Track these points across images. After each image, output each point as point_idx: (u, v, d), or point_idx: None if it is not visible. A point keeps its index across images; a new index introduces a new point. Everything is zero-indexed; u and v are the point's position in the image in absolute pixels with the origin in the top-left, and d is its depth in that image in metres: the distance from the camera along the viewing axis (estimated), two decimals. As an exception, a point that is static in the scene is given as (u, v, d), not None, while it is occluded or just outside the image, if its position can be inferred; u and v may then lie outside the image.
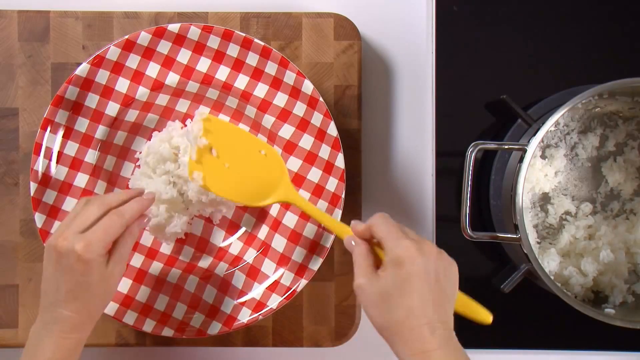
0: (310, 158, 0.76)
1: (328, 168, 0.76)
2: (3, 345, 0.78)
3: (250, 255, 0.77)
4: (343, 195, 0.75)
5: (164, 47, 0.75)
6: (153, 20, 0.79)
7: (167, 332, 0.75)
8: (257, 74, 0.76)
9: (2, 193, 0.79)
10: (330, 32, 0.79)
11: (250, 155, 0.71)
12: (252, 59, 0.75)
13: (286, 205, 0.76)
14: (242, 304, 0.76)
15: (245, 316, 0.75)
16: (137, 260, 0.77)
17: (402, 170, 0.83)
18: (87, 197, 0.66)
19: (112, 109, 0.76)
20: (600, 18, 0.83)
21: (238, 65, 0.76)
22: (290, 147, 0.76)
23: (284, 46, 0.79)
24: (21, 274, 0.79)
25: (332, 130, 0.75)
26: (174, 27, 0.74)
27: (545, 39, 0.83)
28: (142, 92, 0.76)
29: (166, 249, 0.78)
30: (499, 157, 0.79)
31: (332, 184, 0.76)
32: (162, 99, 0.77)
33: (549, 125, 0.69)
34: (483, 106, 0.82)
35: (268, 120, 0.76)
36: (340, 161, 0.76)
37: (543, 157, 0.78)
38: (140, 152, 0.78)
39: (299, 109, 0.76)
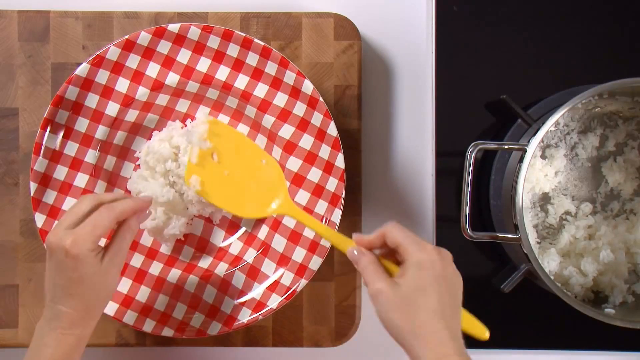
0: (310, 158, 0.76)
1: (328, 168, 0.76)
2: (3, 345, 0.78)
3: (250, 255, 0.77)
4: (343, 195, 0.75)
5: (164, 47, 0.75)
6: (153, 20, 0.79)
7: (167, 332, 0.75)
8: (257, 74, 0.76)
9: (2, 193, 0.79)
10: (330, 32, 0.79)
11: (250, 163, 0.70)
12: (252, 59, 0.75)
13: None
14: (242, 304, 0.76)
15: (245, 316, 0.75)
16: (137, 260, 0.77)
17: (402, 170, 0.83)
18: (85, 195, 0.66)
19: (112, 109, 0.76)
20: (600, 18, 0.83)
21: (238, 65, 0.76)
22: (290, 147, 0.76)
23: (284, 46, 0.79)
24: (21, 274, 0.79)
25: (332, 130, 0.75)
26: (174, 27, 0.74)
27: (545, 39, 0.83)
28: (142, 92, 0.76)
29: (166, 249, 0.78)
30: (499, 157, 0.79)
31: (332, 184, 0.76)
32: (162, 99, 0.77)
33: (549, 125, 0.69)
34: (483, 106, 0.82)
35: (268, 120, 0.76)
36: (340, 161, 0.75)
37: (543, 157, 0.78)
38: (140, 152, 0.78)
39: (299, 109, 0.76)
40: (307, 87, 0.75)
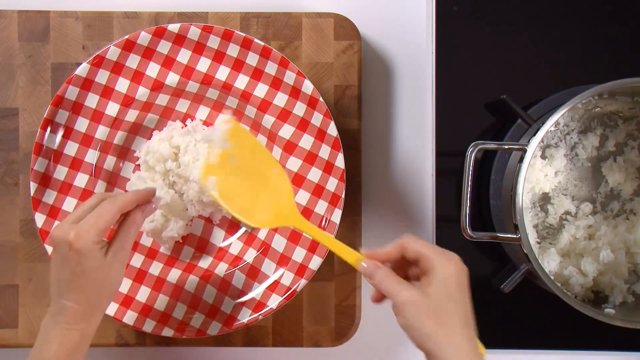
0: (310, 158, 0.76)
1: (328, 168, 0.76)
2: (3, 345, 0.78)
3: (250, 255, 0.77)
4: (343, 195, 0.75)
5: (164, 47, 0.75)
6: (153, 20, 0.79)
7: (167, 332, 0.75)
8: (257, 74, 0.76)
9: (2, 193, 0.79)
10: (330, 32, 0.79)
11: (263, 171, 0.68)
12: (252, 59, 0.75)
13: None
14: (242, 304, 0.76)
15: (245, 316, 0.75)
16: (137, 260, 0.77)
17: (402, 170, 0.83)
18: (93, 194, 0.66)
19: (112, 109, 0.76)
20: (600, 18, 0.83)
21: (238, 65, 0.76)
22: (290, 147, 0.76)
23: (284, 46, 0.79)
24: (21, 274, 0.79)
25: (332, 130, 0.75)
26: (174, 27, 0.74)
27: (545, 39, 0.83)
28: (142, 92, 0.76)
29: (166, 249, 0.78)
30: (499, 157, 0.79)
31: (332, 184, 0.76)
32: (162, 99, 0.77)
33: (549, 125, 0.69)
34: (483, 106, 0.82)
35: (268, 120, 0.76)
36: (340, 161, 0.76)
37: (543, 157, 0.78)
38: (140, 152, 0.78)
39: (299, 109, 0.76)
40: (307, 87, 0.75)
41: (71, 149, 0.76)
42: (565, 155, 0.79)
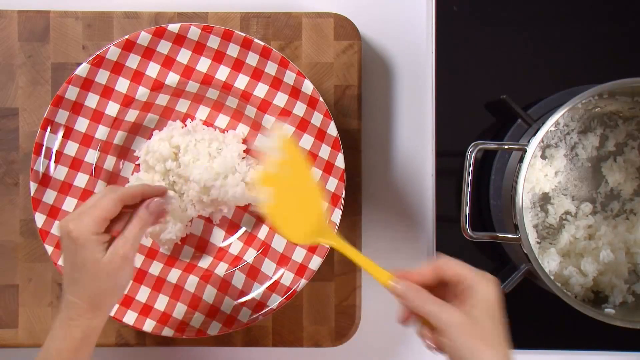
0: (310, 158, 0.76)
1: (328, 168, 0.76)
2: (3, 345, 0.78)
3: (250, 255, 0.77)
4: (343, 195, 0.75)
5: (164, 47, 0.75)
6: (153, 20, 0.79)
7: (167, 332, 0.75)
8: (257, 74, 0.76)
9: (2, 193, 0.79)
10: (330, 32, 0.79)
11: (303, 185, 0.65)
12: (252, 59, 0.75)
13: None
14: (242, 304, 0.76)
15: (245, 316, 0.75)
16: (137, 260, 0.77)
17: (402, 170, 0.83)
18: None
19: (112, 109, 0.76)
20: (600, 18, 0.83)
21: (238, 65, 0.76)
22: (290, 147, 0.76)
23: (284, 46, 0.79)
24: (21, 274, 0.79)
25: (332, 130, 0.75)
26: (174, 27, 0.74)
27: (545, 39, 0.83)
28: (142, 92, 0.76)
29: (166, 249, 0.78)
30: (499, 157, 0.79)
31: (332, 184, 0.76)
32: (162, 99, 0.77)
33: (549, 125, 0.69)
34: (483, 106, 0.82)
35: (268, 120, 0.76)
36: (340, 161, 0.76)
37: (543, 157, 0.78)
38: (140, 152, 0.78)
39: (299, 109, 0.76)
40: (307, 87, 0.75)
41: (71, 149, 0.76)
42: (565, 155, 0.79)
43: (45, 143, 0.75)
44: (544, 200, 0.79)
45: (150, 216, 0.63)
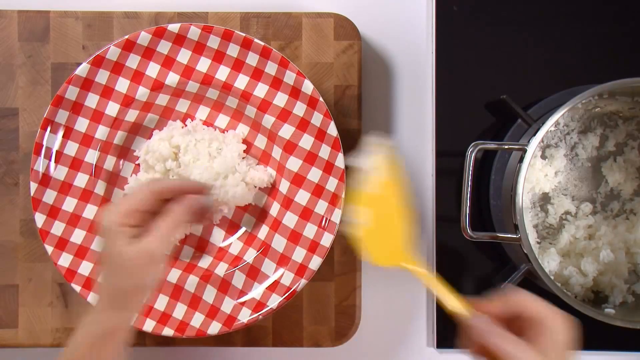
0: (310, 158, 0.76)
1: (328, 168, 0.76)
2: (3, 345, 0.78)
3: (250, 255, 0.77)
4: (343, 195, 0.75)
5: (164, 47, 0.75)
6: (153, 20, 0.79)
7: (167, 332, 0.75)
8: (257, 74, 0.76)
9: (2, 193, 0.79)
10: (330, 32, 0.79)
11: (392, 205, 0.64)
12: (252, 59, 0.75)
13: (286, 205, 0.76)
14: (242, 304, 0.76)
15: (245, 316, 0.75)
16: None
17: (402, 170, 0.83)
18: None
19: (112, 109, 0.76)
20: (601, 18, 0.83)
21: (238, 65, 0.76)
22: (290, 147, 0.76)
23: (284, 46, 0.79)
24: (21, 274, 0.79)
25: (332, 130, 0.75)
26: (174, 27, 0.74)
27: (545, 39, 0.83)
28: (142, 92, 0.76)
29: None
30: (499, 157, 0.79)
31: (332, 184, 0.76)
32: (162, 99, 0.77)
33: (549, 125, 0.69)
34: (483, 106, 0.82)
35: (268, 120, 0.76)
36: (340, 161, 0.76)
37: (543, 157, 0.78)
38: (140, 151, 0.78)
39: (299, 109, 0.76)
40: (307, 87, 0.75)
41: (71, 149, 0.76)
42: (565, 155, 0.79)
43: (45, 143, 0.75)
44: (544, 200, 0.79)
45: (185, 215, 0.59)
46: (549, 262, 0.77)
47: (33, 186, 0.74)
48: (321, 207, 0.76)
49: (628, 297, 0.77)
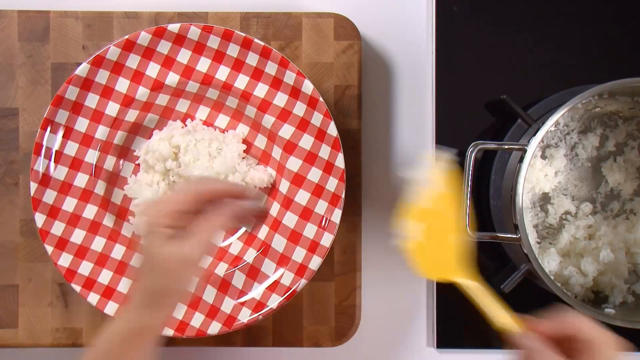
0: (310, 158, 0.76)
1: (328, 168, 0.76)
2: (3, 345, 0.78)
3: (250, 255, 0.77)
4: (343, 195, 0.75)
5: (164, 47, 0.75)
6: (153, 20, 0.79)
7: (167, 332, 0.75)
8: (257, 74, 0.76)
9: (2, 193, 0.79)
10: (330, 32, 0.79)
11: (446, 219, 0.64)
12: (252, 59, 0.75)
13: (286, 205, 0.76)
14: (242, 304, 0.76)
15: (245, 316, 0.75)
16: (136, 260, 0.77)
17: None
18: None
19: (112, 109, 0.76)
20: (601, 18, 0.83)
21: (238, 65, 0.76)
22: (290, 147, 0.76)
23: (284, 46, 0.79)
24: (21, 274, 0.79)
25: (332, 130, 0.75)
26: (174, 27, 0.74)
27: (545, 39, 0.83)
28: (142, 92, 0.76)
29: (166, 249, 0.78)
30: (499, 157, 0.79)
31: (332, 184, 0.76)
32: (162, 99, 0.77)
33: (549, 125, 0.69)
34: (483, 106, 0.82)
35: (268, 120, 0.76)
36: (340, 161, 0.76)
37: (543, 157, 0.78)
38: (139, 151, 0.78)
39: (299, 109, 0.76)
40: (307, 87, 0.75)
41: (71, 149, 0.76)
42: (565, 155, 0.79)
43: (45, 143, 0.75)
44: (544, 200, 0.79)
45: (226, 221, 0.58)
46: (549, 262, 0.77)
47: (33, 186, 0.74)
48: (321, 207, 0.76)
49: (628, 297, 0.77)
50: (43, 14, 0.79)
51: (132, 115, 0.77)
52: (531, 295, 0.78)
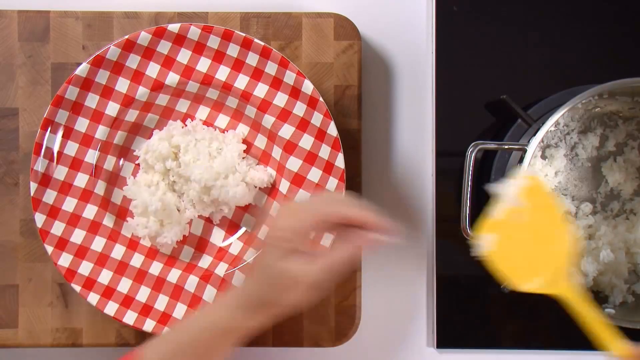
0: (310, 158, 0.76)
1: (328, 168, 0.76)
2: (3, 345, 0.78)
3: (250, 255, 0.77)
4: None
5: (164, 47, 0.75)
6: (153, 20, 0.79)
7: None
8: (257, 74, 0.76)
9: (2, 193, 0.79)
10: (330, 32, 0.79)
11: (548, 232, 0.63)
12: (252, 59, 0.75)
13: (286, 205, 0.76)
14: (242, 304, 0.76)
15: (245, 316, 0.75)
16: (137, 260, 0.77)
17: (402, 170, 0.83)
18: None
19: (112, 109, 0.76)
20: (601, 18, 0.83)
21: (238, 65, 0.76)
22: (290, 147, 0.76)
23: (284, 46, 0.79)
24: (21, 274, 0.79)
25: (332, 130, 0.75)
26: (174, 27, 0.74)
27: (545, 39, 0.83)
28: (142, 92, 0.76)
29: (165, 250, 0.78)
30: (499, 157, 0.79)
31: (332, 184, 0.76)
32: (162, 99, 0.77)
33: (549, 125, 0.69)
34: (483, 106, 0.82)
35: (268, 120, 0.76)
36: (340, 161, 0.76)
37: (543, 157, 0.78)
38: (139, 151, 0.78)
39: (299, 109, 0.76)
40: (307, 87, 0.75)
41: (71, 149, 0.76)
42: (565, 155, 0.79)
43: (45, 143, 0.75)
44: (544, 200, 0.79)
45: (356, 254, 0.58)
46: (549, 262, 0.77)
47: (33, 186, 0.74)
48: (321, 207, 0.76)
49: (628, 297, 0.77)
50: (43, 14, 0.79)
51: (132, 115, 0.77)
52: (531, 295, 0.78)
